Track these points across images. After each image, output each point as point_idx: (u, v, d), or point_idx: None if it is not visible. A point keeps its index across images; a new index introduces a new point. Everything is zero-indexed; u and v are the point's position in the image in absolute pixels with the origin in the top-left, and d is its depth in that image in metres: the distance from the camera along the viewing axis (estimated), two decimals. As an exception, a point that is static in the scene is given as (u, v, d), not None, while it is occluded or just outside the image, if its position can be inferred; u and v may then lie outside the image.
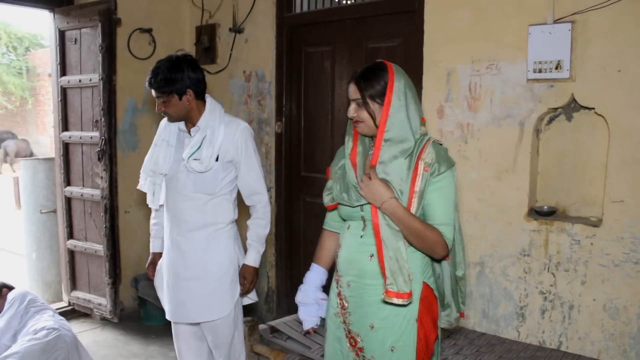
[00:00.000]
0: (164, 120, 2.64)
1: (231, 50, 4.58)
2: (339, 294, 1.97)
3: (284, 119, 4.33)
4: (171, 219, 2.60)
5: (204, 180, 2.51)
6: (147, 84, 2.50)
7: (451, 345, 2.86)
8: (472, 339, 2.98)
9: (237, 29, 4.49)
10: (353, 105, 1.92)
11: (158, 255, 2.76)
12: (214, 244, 2.57)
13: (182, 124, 2.58)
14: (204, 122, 2.53)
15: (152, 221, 2.82)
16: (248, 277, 2.63)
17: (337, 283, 1.99)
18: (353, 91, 1.91)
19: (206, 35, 4.72)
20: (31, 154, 16.02)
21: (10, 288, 3.61)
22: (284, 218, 4.40)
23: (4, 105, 19.21)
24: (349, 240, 1.95)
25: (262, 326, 3.00)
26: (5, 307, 3.45)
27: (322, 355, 2.68)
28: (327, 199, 2.02)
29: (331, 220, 2.13)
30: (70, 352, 3.35)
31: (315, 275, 2.11)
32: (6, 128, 18.93)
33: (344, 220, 2.00)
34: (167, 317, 2.68)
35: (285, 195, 4.38)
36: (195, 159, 2.47)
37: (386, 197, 1.76)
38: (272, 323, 3.05)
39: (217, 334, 2.60)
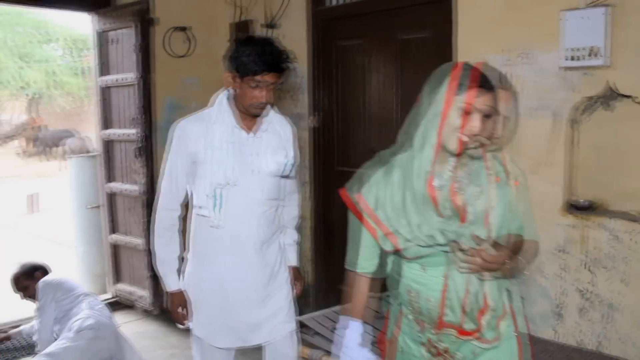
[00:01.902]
0: (187, 125, 2.22)
1: (266, 46, 4.60)
2: (427, 342, 1.69)
3: (318, 113, 4.32)
4: (236, 234, 2.21)
5: (274, 184, 2.25)
6: (264, 65, 2.06)
7: (481, 343, 2.79)
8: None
9: (270, 25, 4.49)
10: (478, 117, 1.49)
11: (184, 294, 2.32)
12: (282, 253, 2.41)
13: (236, 120, 2.20)
14: (272, 115, 2.29)
15: (164, 250, 2.29)
16: (300, 279, 2.57)
17: (421, 331, 1.69)
18: (487, 100, 1.50)
19: (241, 32, 4.74)
20: (88, 152, 16.64)
21: (44, 271, 3.71)
22: (321, 213, 4.39)
23: (62, 105, 20.06)
24: (429, 282, 1.63)
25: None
26: (40, 293, 3.53)
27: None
28: (387, 244, 1.64)
29: (367, 262, 1.76)
30: (110, 348, 3.46)
31: (356, 333, 1.75)
32: (66, 127, 19.73)
33: (409, 259, 1.66)
34: (228, 344, 2.37)
35: (321, 190, 4.37)
36: (273, 161, 2.21)
37: (505, 258, 1.53)
38: (300, 318, 3.04)
39: (283, 353, 2.42)
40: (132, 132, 4.28)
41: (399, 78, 3.77)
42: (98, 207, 4.91)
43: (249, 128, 2.23)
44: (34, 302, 3.58)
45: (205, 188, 2.15)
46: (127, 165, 4.45)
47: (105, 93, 4.51)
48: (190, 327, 2.37)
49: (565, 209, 2.94)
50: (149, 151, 4.26)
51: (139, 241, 4.41)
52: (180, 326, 2.41)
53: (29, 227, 9.57)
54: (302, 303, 4.48)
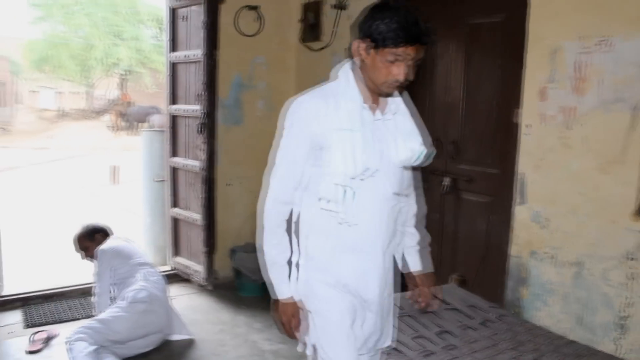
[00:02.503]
0: (310, 103, 1.87)
1: (334, 27, 4.50)
2: None
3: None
4: (367, 231, 1.91)
5: (401, 176, 1.96)
6: (408, 36, 1.74)
7: (530, 350, 2.61)
8: (558, 346, 2.69)
9: (340, 6, 4.39)
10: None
11: (296, 303, 1.98)
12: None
13: (364, 98, 1.87)
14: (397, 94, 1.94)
15: (277, 251, 1.95)
16: (430, 285, 2.22)
17: None
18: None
19: (311, 12, 4.68)
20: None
21: (105, 234, 3.86)
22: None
23: (149, 82, 20.86)
24: None
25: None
26: (98, 260, 3.66)
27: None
28: None
29: None
30: (160, 322, 3.54)
31: None
32: (152, 104, 20.52)
33: None
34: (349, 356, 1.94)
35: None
36: (407, 148, 1.89)
37: None
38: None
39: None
40: (196, 108, 4.34)
41: (466, 65, 3.58)
42: (163, 180, 5.04)
43: (375, 108, 1.91)
44: (93, 263, 3.72)
45: (335, 177, 1.81)
46: (190, 141, 4.52)
47: (174, 69, 4.59)
48: (307, 342, 2.03)
49: (637, 213, 2.68)
50: (211, 128, 4.31)
51: (197, 216, 4.48)
52: (298, 348, 2.09)
53: (110, 196, 10.05)
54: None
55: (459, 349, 2.59)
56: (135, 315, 3.41)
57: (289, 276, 1.95)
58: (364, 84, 1.86)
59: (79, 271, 4.87)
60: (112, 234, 3.91)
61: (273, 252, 1.94)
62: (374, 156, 1.84)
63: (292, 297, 1.96)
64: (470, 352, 2.55)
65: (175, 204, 4.79)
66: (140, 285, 3.55)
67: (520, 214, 3.14)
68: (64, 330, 3.67)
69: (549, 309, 3.03)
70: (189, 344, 3.69)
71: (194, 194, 4.54)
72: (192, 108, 4.40)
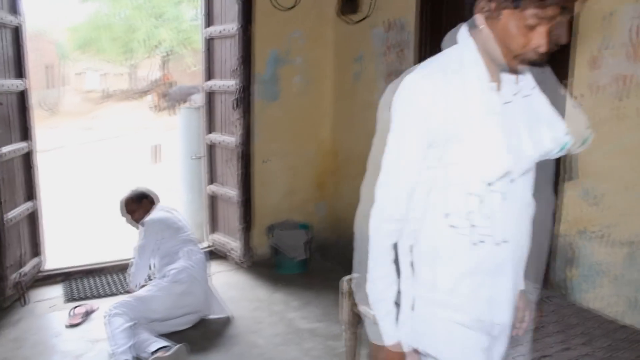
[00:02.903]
0: (428, 82, 1.36)
1: (373, -2, 4.36)
2: None
3: (424, 72, 4.03)
4: (510, 252, 1.46)
5: (537, 173, 1.53)
6: None
7: (578, 334, 2.47)
8: (609, 330, 2.54)
9: (379, -25, 4.24)
10: None
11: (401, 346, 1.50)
12: None
13: (489, 73, 1.39)
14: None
15: (384, 282, 1.50)
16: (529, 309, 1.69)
17: None
18: None
19: (349, -17, 4.54)
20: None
21: (152, 201, 3.79)
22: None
23: (190, 63, 20.98)
24: None
25: (367, 285, 2.85)
26: (145, 230, 3.60)
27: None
28: None
29: None
30: (198, 303, 3.54)
31: None
32: (193, 83, 20.68)
33: None
34: None
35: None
36: (551, 138, 1.43)
37: None
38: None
39: None
40: (231, 83, 4.28)
41: None
42: (201, 157, 5.02)
43: (498, 87, 1.42)
44: (137, 228, 3.69)
45: (469, 183, 1.37)
46: (226, 117, 4.48)
47: (210, 45, 4.54)
48: None
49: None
50: (247, 103, 4.25)
51: (233, 193, 4.45)
52: None
53: (151, 175, 10.18)
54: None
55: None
56: (174, 296, 3.41)
57: (397, 315, 1.50)
58: (488, 55, 1.39)
59: (118, 247, 4.94)
60: (159, 202, 3.85)
61: (380, 286, 1.50)
62: (514, 151, 1.37)
63: (399, 342, 1.50)
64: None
65: (212, 180, 4.77)
66: (182, 264, 3.52)
67: (569, 190, 2.97)
68: (102, 305, 3.71)
69: (599, 290, 2.87)
70: (225, 321, 3.67)
71: (230, 171, 4.50)
72: (228, 84, 4.34)
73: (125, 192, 3.83)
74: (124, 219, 3.80)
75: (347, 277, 2.73)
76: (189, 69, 23.76)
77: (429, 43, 3.97)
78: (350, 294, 2.72)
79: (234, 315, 3.74)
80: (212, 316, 3.68)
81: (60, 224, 6.19)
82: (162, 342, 3.12)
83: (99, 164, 11.48)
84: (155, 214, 3.68)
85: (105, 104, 24.65)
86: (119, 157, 12.44)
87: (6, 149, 3.70)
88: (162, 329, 3.39)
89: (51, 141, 14.41)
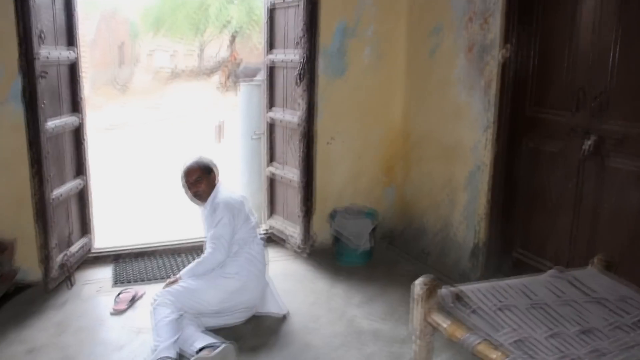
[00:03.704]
0: None
1: (454, -38, 3.85)
2: None
3: (510, 44, 3.52)
4: None
5: None
6: None
7: None
8: None
9: None
10: None
11: None
12: None
13: None
14: None
15: None
16: None
17: None
18: None
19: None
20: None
21: (216, 175, 3.32)
22: (502, 163, 3.65)
23: (258, 42, 20.77)
24: None
25: (443, 290, 2.42)
26: (222, 210, 3.15)
27: (515, 341, 2.06)
28: None
29: None
30: (252, 300, 3.23)
31: None
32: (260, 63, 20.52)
33: None
34: None
35: (506, 136, 3.61)
36: None
37: None
38: (458, 288, 2.44)
39: None
40: (294, 56, 3.91)
41: (620, 9, 2.84)
42: (260, 137, 4.69)
43: None
44: (199, 203, 3.27)
45: None
46: (287, 93, 4.12)
47: (272, 14, 4.19)
48: None
49: None
50: (311, 78, 3.87)
51: (294, 175, 4.10)
52: None
53: (213, 154, 10.04)
54: (469, 266, 3.88)
55: (607, 357, 2.00)
56: (228, 292, 3.10)
57: None
58: None
59: (171, 229, 4.72)
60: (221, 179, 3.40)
61: None
62: None
63: None
64: (624, 361, 1.95)
65: (271, 161, 4.44)
66: (244, 258, 3.20)
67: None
68: (150, 291, 3.46)
69: None
70: (279, 317, 3.34)
71: (291, 151, 4.15)
72: (290, 57, 3.97)
73: (188, 160, 3.29)
74: (185, 191, 3.26)
75: (420, 280, 2.31)
76: (256, 49, 23.64)
77: (518, 11, 3.45)
78: (424, 299, 2.30)
79: (289, 310, 3.40)
80: (266, 312, 3.35)
81: (114, 203, 6.05)
82: (209, 339, 2.82)
83: (162, 142, 11.46)
84: (229, 195, 3.25)
85: (173, 83, 24.95)
86: (183, 135, 12.40)
87: (53, 122, 3.47)
88: (211, 323, 3.10)
89: (118, 118, 14.61)
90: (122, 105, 18.66)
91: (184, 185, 3.24)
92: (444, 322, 2.21)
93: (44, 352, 2.90)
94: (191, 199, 3.28)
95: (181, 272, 3.21)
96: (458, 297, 2.43)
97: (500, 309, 2.28)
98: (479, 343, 2.01)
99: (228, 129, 11.68)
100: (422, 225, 4.34)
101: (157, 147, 10.75)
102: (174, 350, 2.76)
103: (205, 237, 3.33)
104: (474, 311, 2.33)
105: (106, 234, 4.56)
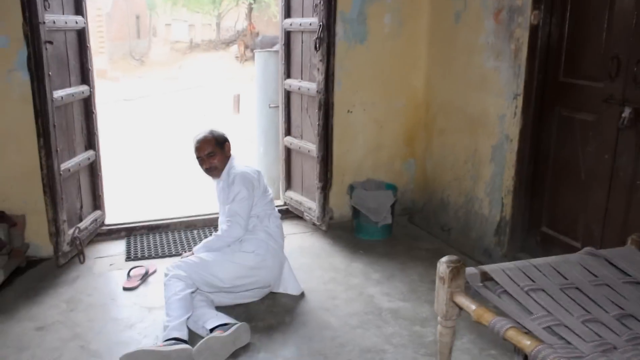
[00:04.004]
0: None
1: None
2: None
3: (543, 7, 3.28)
4: None
5: None
6: None
7: None
8: None
9: None
10: None
11: None
12: None
13: None
14: None
15: None
16: None
17: None
18: None
19: None
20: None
21: (230, 147, 3.15)
22: (530, 135, 3.45)
23: (274, 14, 20.45)
24: None
25: (470, 270, 2.26)
26: (242, 181, 2.98)
27: (548, 327, 1.91)
28: None
29: None
30: (268, 279, 3.10)
31: None
32: (277, 34, 20.26)
33: None
34: None
35: (536, 104, 3.40)
36: None
37: None
38: (486, 268, 2.28)
39: None
40: (312, 21, 3.71)
41: None
42: (278, 106, 4.53)
43: None
44: (213, 175, 3.10)
45: None
46: (305, 60, 3.93)
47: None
48: None
49: None
50: (329, 44, 3.67)
51: (311, 146, 3.94)
52: None
53: (230, 125, 9.91)
54: (494, 241, 3.71)
55: (651, 344, 1.84)
56: (245, 268, 2.98)
57: None
58: None
59: (185, 204, 4.62)
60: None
61: None
62: None
63: None
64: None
65: (288, 132, 4.28)
66: (261, 236, 3.06)
67: None
68: (162, 267, 3.37)
69: None
70: (295, 295, 3.21)
71: (309, 121, 3.98)
72: (308, 21, 3.77)
73: (199, 133, 3.10)
74: (200, 163, 3.08)
75: (445, 259, 2.15)
76: (274, 20, 23.32)
77: (552, -31, 3.21)
78: (450, 279, 2.14)
79: (306, 286, 3.27)
80: (281, 291, 3.22)
81: (128, 177, 5.96)
82: (222, 319, 2.71)
83: (180, 113, 11.35)
84: (245, 167, 3.09)
85: (191, 55, 24.79)
86: (200, 107, 12.27)
87: (61, 92, 3.33)
88: (224, 301, 3.00)
89: (136, 90, 14.54)
90: (139, 77, 18.59)
91: (200, 157, 3.07)
92: (471, 304, 2.06)
93: (54, 329, 2.81)
94: (207, 172, 3.12)
95: (195, 248, 3.10)
96: (486, 278, 2.28)
97: (530, 291, 2.12)
98: (509, 328, 1.86)
99: (245, 100, 11.53)
100: (444, 199, 4.17)
101: (175, 118, 10.63)
102: (185, 329, 2.65)
103: (219, 213, 3.22)
104: (502, 293, 2.17)
105: (120, 208, 4.47)
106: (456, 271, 2.15)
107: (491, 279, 2.26)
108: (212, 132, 3.08)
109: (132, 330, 2.82)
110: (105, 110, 11.03)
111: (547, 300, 2.06)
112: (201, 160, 3.07)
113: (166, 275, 2.85)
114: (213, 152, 3.04)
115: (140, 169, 6.44)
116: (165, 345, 2.52)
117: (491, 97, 3.61)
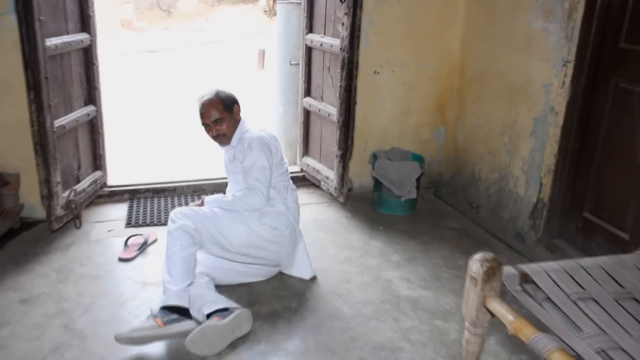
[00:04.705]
0: None
1: None
2: None
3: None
4: None
5: None
6: None
7: None
8: None
9: None
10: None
11: None
12: None
13: None
14: None
15: None
16: None
17: None
18: None
19: None
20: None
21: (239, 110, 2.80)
22: (579, 107, 3.03)
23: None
24: None
25: (508, 270, 1.92)
26: (258, 145, 2.66)
27: (602, 350, 1.58)
28: None
29: None
30: (281, 254, 2.80)
31: None
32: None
33: None
34: None
35: (589, 73, 2.97)
36: None
37: None
38: (527, 269, 1.93)
39: None
40: (338, -33, 3.30)
41: None
42: (299, 63, 4.14)
43: None
44: (222, 142, 2.76)
45: None
46: (329, 13, 3.53)
47: None
48: None
49: None
50: (357, -6, 3.26)
51: (332, 109, 3.58)
52: None
53: (254, 81, 9.54)
54: (528, 224, 3.35)
55: None
56: (259, 238, 2.66)
57: None
58: None
59: (196, 166, 4.32)
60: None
61: None
62: None
63: None
64: None
65: (308, 92, 3.91)
66: (281, 209, 2.75)
67: None
68: (163, 235, 3.09)
69: None
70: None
71: (330, 81, 3.60)
72: (334, -32, 3.36)
73: (203, 95, 2.70)
74: (206, 130, 2.73)
75: (480, 256, 1.81)
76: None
77: None
78: (484, 281, 1.81)
79: (318, 266, 2.96)
80: (290, 273, 2.89)
81: (136, 135, 5.60)
82: (220, 302, 2.40)
83: (203, 67, 10.99)
84: (261, 132, 2.74)
85: (219, 7, 24.20)
86: (225, 61, 11.88)
87: (56, 40, 2.99)
88: (226, 278, 2.70)
89: (161, 42, 14.18)
90: (166, 28, 18.19)
91: (207, 122, 2.70)
92: (507, 314, 1.72)
93: (39, 303, 2.56)
94: (216, 139, 2.76)
95: (207, 198, 2.74)
96: (526, 280, 1.94)
97: (579, 300, 1.77)
98: (555, 350, 1.52)
99: (270, 56, 11.12)
100: (474, 174, 3.80)
101: (197, 72, 10.28)
102: (186, 296, 2.36)
103: (229, 183, 2.91)
104: (545, 300, 1.83)
105: (125, 169, 4.19)
106: (492, 272, 1.81)
107: (532, 282, 1.92)
108: (218, 94, 2.69)
109: (122, 308, 2.55)
110: (126, 63, 10.75)
111: (600, 313, 1.71)
112: (207, 127, 2.72)
113: (173, 222, 2.52)
114: (220, 118, 2.67)
115: (150, 127, 6.03)
116: (166, 326, 2.28)
117: (536, 63, 3.20)
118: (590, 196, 3.05)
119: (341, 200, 3.66)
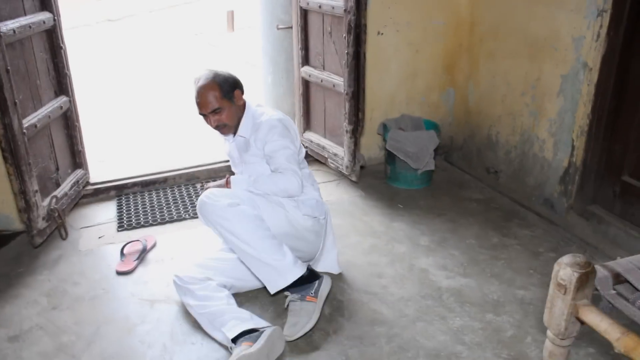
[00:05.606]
0: None
1: None
2: None
3: None
4: None
5: None
6: None
7: None
8: None
9: None
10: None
11: None
12: None
13: None
14: None
15: None
16: None
17: None
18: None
19: None
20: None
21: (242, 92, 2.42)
22: (615, 61, 2.71)
23: None
24: None
25: (601, 272, 1.62)
26: (279, 129, 2.32)
27: None
28: None
29: None
30: (315, 249, 2.47)
31: None
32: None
33: None
34: None
35: (628, 25, 2.63)
36: None
37: None
38: (617, 266, 1.64)
39: None
40: None
41: None
42: (290, 27, 3.71)
43: None
44: (225, 132, 2.40)
45: None
46: (328, -32, 3.11)
47: None
48: None
49: None
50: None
51: (337, 80, 3.19)
52: None
53: (227, 46, 9.00)
54: (559, 190, 3.08)
55: None
56: (297, 225, 2.34)
57: None
58: None
59: (185, 152, 3.91)
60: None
61: None
62: None
63: None
64: None
65: (306, 61, 3.51)
66: (316, 195, 2.45)
67: None
68: (163, 237, 2.74)
69: None
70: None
71: (333, 48, 3.21)
72: None
73: (198, 80, 2.30)
74: (205, 121, 2.36)
75: (568, 260, 1.51)
76: None
77: None
78: (576, 289, 1.51)
79: (343, 259, 2.64)
80: (316, 267, 2.53)
81: (114, 123, 5.01)
82: (245, 321, 2.06)
83: (169, 34, 10.34)
84: (278, 113, 2.40)
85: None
86: (191, 25, 11.23)
87: (12, 24, 2.50)
88: (247, 285, 2.35)
89: (120, 10, 13.35)
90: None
91: (205, 112, 2.32)
92: (614, 330, 1.43)
93: (32, 339, 2.17)
94: (219, 129, 2.38)
95: (232, 178, 2.38)
96: (618, 280, 1.65)
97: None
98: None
99: (241, 17, 10.52)
100: (491, 137, 3.50)
101: (165, 41, 9.65)
102: (241, 313, 2.14)
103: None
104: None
105: (108, 163, 3.76)
106: (585, 278, 1.50)
107: (625, 281, 1.63)
108: (215, 78, 2.28)
109: (131, 335, 2.18)
110: (87, 35, 10.04)
111: None
112: (205, 119, 2.34)
113: (205, 205, 2.16)
114: (219, 107, 2.28)
115: (129, 112, 5.40)
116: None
117: (564, 14, 2.86)
118: (629, 158, 2.77)
119: (353, 178, 3.32)
